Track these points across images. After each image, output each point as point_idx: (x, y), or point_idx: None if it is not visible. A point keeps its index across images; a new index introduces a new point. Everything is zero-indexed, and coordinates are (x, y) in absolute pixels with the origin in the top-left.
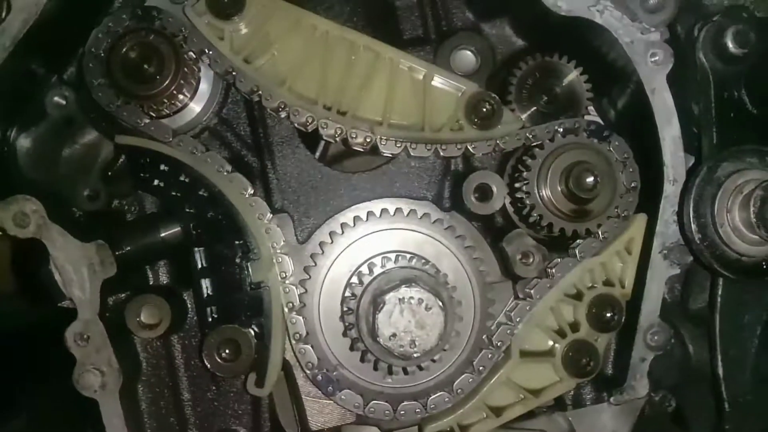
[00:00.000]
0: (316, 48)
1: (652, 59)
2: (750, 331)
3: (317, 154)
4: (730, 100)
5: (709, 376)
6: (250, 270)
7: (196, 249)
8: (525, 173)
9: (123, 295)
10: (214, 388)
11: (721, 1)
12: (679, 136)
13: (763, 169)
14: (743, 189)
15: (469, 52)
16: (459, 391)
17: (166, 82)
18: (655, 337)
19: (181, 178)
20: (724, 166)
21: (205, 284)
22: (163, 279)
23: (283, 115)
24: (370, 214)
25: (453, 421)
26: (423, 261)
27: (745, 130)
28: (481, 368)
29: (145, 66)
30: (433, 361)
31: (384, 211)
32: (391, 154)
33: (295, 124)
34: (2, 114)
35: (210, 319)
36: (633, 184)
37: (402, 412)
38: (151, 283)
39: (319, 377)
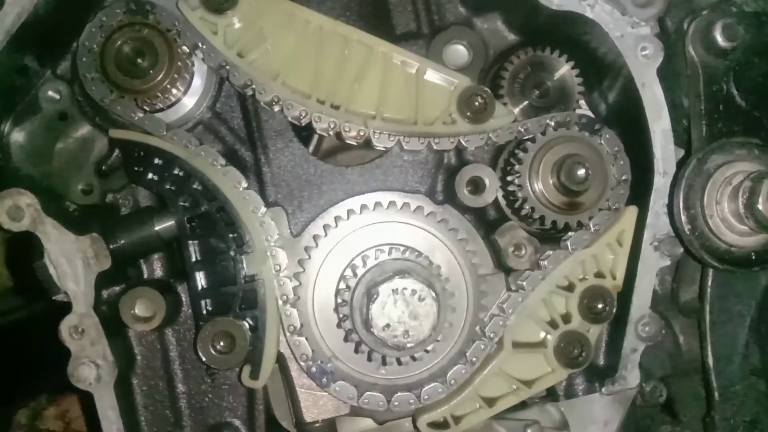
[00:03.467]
0: (310, 42)
1: (643, 53)
2: (739, 321)
3: (311, 147)
4: (720, 93)
5: (699, 367)
6: (244, 263)
7: (190, 242)
8: (517, 166)
9: (117, 288)
10: (208, 380)
11: None
12: (669, 129)
13: (751, 161)
14: (732, 180)
15: (461, 47)
16: (452, 381)
17: (160, 77)
18: (646, 328)
19: (175, 172)
20: (714, 158)
21: (200, 277)
22: (158, 272)
23: (276, 108)
24: (363, 207)
25: (446, 411)
26: (416, 253)
27: (734, 123)
28: (474, 359)
29: (139, 60)
30: (427, 351)
31: (377, 204)
32: (384, 147)
33: (289, 118)
34: None
35: (204, 312)
36: (624, 177)
37: (396, 403)
38: (145, 276)
39: (314, 369)
